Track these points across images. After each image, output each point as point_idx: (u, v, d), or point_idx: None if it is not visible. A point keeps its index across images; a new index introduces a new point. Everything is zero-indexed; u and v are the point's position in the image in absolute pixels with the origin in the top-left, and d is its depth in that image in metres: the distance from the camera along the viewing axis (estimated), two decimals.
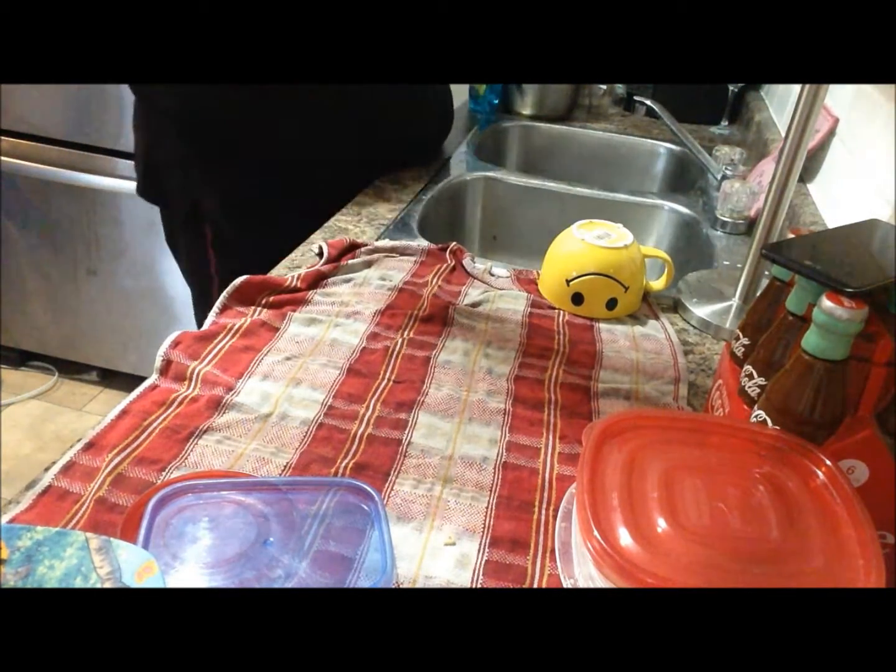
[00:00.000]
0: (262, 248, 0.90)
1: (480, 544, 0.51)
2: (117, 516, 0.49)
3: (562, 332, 0.78)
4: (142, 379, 0.64)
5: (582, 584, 0.45)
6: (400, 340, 0.72)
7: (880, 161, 0.84)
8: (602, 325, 0.80)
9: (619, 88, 1.70)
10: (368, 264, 0.86)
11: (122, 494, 0.51)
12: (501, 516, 0.53)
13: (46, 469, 0.53)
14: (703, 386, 0.71)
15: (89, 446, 0.55)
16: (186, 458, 0.55)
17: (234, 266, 0.78)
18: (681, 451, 0.48)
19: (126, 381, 2.07)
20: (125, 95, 1.07)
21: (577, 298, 0.81)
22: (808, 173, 1.07)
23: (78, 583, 0.39)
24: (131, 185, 1.13)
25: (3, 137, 1.80)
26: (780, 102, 1.40)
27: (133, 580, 0.39)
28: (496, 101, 1.52)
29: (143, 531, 0.45)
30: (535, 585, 0.48)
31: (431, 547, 0.50)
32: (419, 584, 0.47)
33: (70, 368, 2.13)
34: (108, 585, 0.39)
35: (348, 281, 0.82)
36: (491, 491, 0.55)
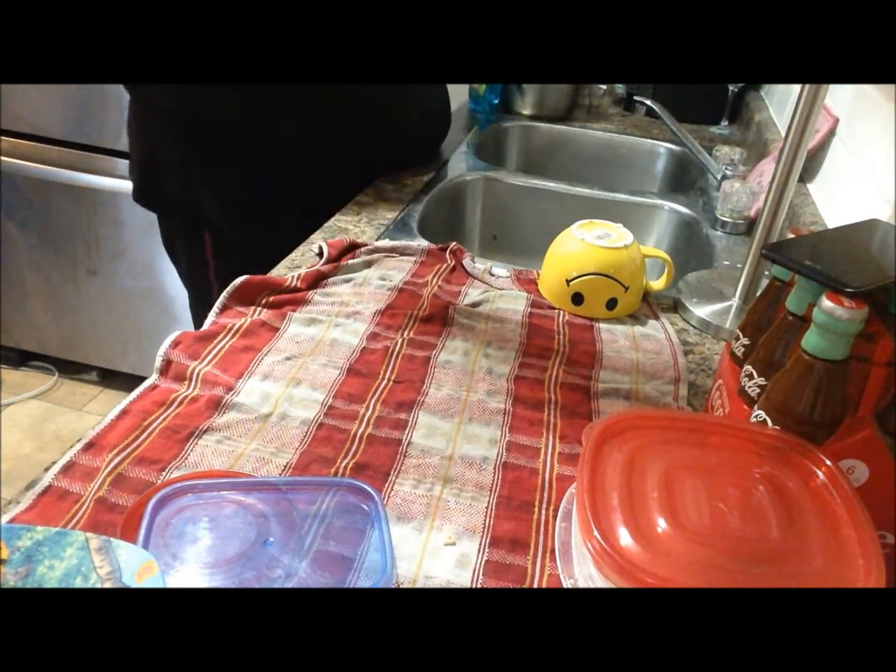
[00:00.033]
0: (262, 249, 0.90)
1: (480, 544, 0.51)
2: (117, 516, 0.49)
3: (562, 332, 0.78)
4: (142, 379, 0.64)
5: (582, 584, 0.45)
6: (400, 340, 0.72)
7: (880, 161, 0.84)
8: (602, 325, 0.80)
9: (619, 88, 1.70)
10: (368, 264, 0.86)
11: (122, 494, 0.51)
12: (501, 516, 0.53)
13: (46, 469, 0.53)
14: (703, 386, 0.71)
15: (89, 446, 0.55)
16: (186, 458, 0.55)
17: (234, 268, 0.78)
18: (681, 451, 0.48)
19: (126, 381, 2.07)
20: (125, 95, 1.06)
21: (577, 298, 0.81)
22: (808, 173, 1.07)
23: (78, 583, 0.39)
24: (131, 186, 1.12)
25: (3, 137, 1.80)
26: (780, 102, 1.40)
27: (133, 580, 0.39)
28: (496, 101, 1.52)
29: (143, 531, 0.45)
30: (535, 585, 0.48)
31: (431, 547, 0.50)
32: (419, 584, 0.47)
33: (70, 368, 2.13)
34: (108, 585, 0.39)
35: (348, 281, 0.82)
36: (491, 491, 0.55)
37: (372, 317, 0.75)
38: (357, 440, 0.59)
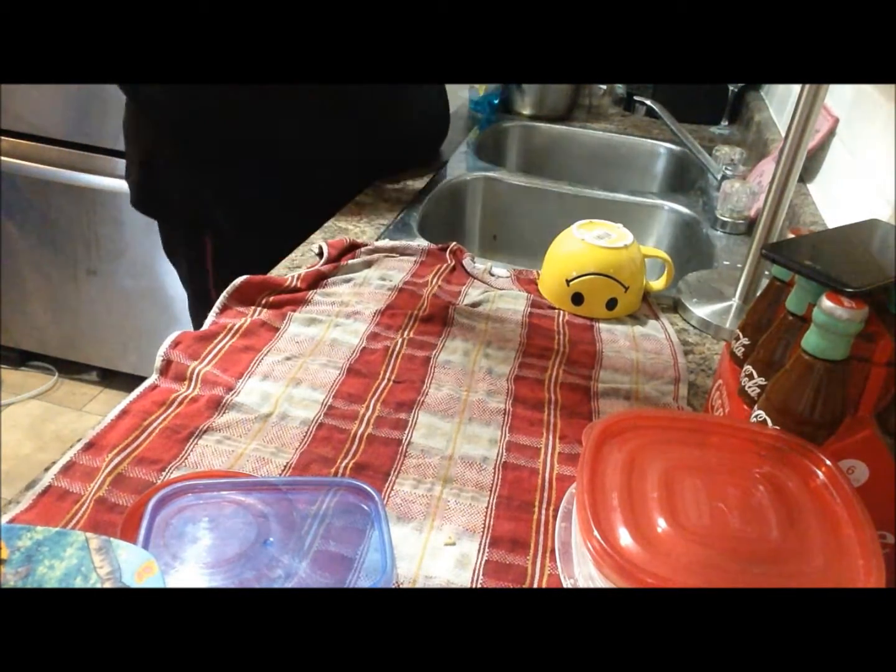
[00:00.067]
0: (262, 250, 0.90)
1: (480, 544, 0.51)
2: (117, 516, 0.49)
3: (562, 332, 0.78)
4: (142, 379, 0.64)
5: (582, 584, 0.45)
6: (400, 340, 0.72)
7: (880, 161, 0.84)
8: (602, 325, 0.80)
9: (619, 88, 1.70)
10: (368, 264, 0.86)
11: (122, 494, 0.51)
12: (501, 516, 0.53)
13: (46, 469, 0.53)
14: (703, 386, 0.71)
15: (89, 446, 0.55)
16: (186, 458, 0.55)
17: (235, 271, 0.78)
18: (681, 451, 0.48)
19: (126, 381, 2.07)
20: (125, 95, 1.06)
21: (577, 298, 0.81)
22: (808, 173, 1.07)
23: (78, 583, 0.39)
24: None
25: (3, 137, 1.80)
26: (780, 102, 1.40)
27: (133, 580, 0.39)
28: (496, 101, 1.52)
29: (143, 531, 0.45)
30: (535, 585, 0.48)
31: (431, 547, 0.50)
32: (419, 584, 0.47)
33: (70, 368, 2.13)
34: (108, 585, 0.39)
35: (348, 281, 0.82)
36: (491, 491, 0.55)
37: (372, 317, 0.75)
38: (357, 440, 0.59)
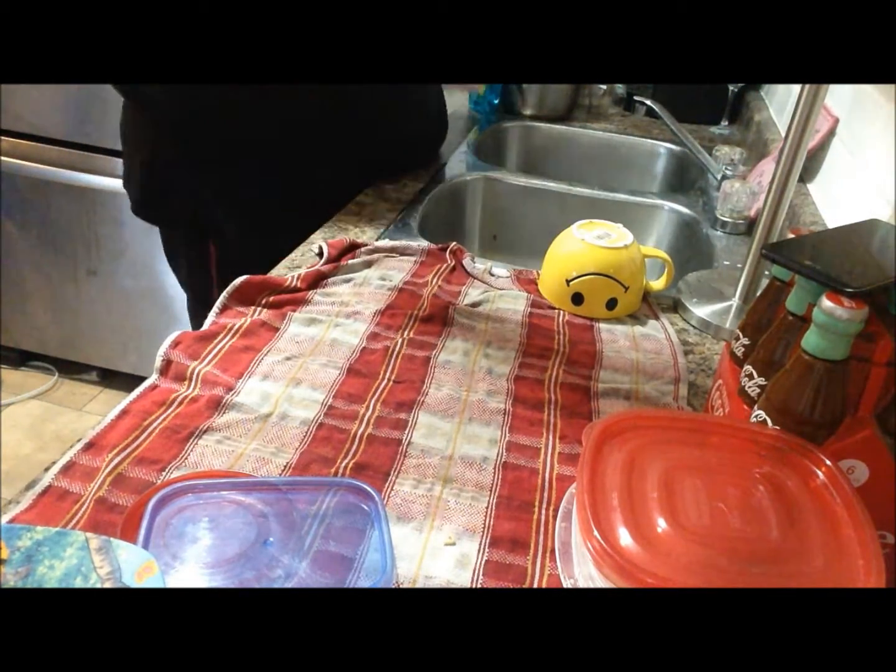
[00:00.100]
0: (262, 250, 0.90)
1: (480, 544, 0.51)
2: (117, 516, 0.49)
3: (562, 332, 0.78)
4: (142, 379, 0.64)
5: (582, 584, 0.45)
6: (400, 340, 0.72)
7: (880, 161, 0.84)
8: (602, 325, 0.80)
9: (619, 88, 1.70)
10: (368, 264, 0.86)
11: (122, 494, 0.51)
12: (501, 516, 0.53)
13: (46, 469, 0.53)
14: (703, 386, 0.71)
15: (89, 446, 0.55)
16: (186, 458, 0.55)
17: (238, 273, 0.78)
18: (681, 451, 0.48)
19: (126, 381, 2.07)
20: None
21: (577, 298, 0.81)
22: (808, 173, 1.07)
23: (78, 583, 0.39)
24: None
25: (3, 137, 1.80)
26: (780, 102, 1.40)
27: (133, 580, 0.39)
28: (496, 101, 1.52)
29: (143, 531, 0.45)
30: (535, 585, 0.48)
31: (431, 547, 0.50)
32: (419, 584, 0.47)
33: (70, 368, 2.13)
34: (108, 585, 0.39)
35: (348, 281, 0.82)
36: (491, 491, 0.55)
37: (372, 317, 0.75)
38: (357, 440, 0.59)
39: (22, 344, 2.11)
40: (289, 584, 0.45)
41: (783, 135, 0.80)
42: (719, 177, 1.16)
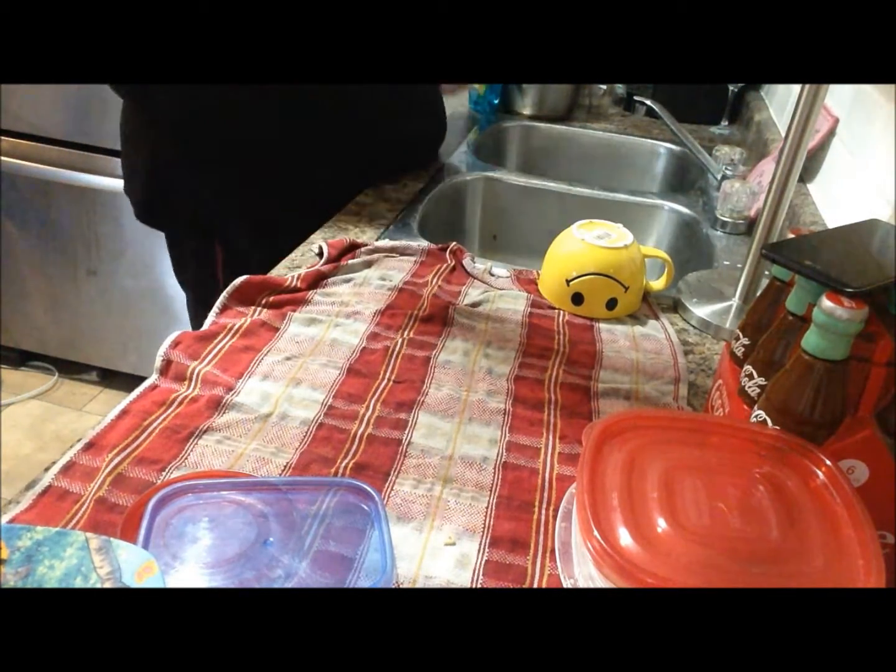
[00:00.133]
0: (268, 250, 0.90)
1: (480, 544, 0.51)
2: (117, 516, 0.49)
3: (562, 332, 0.78)
4: (142, 379, 0.64)
5: (582, 584, 0.45)
6: (400, 340, 0.72)
7: (880, 161, 0.84)
8: (602, 325, 0.80)
9: (619, 88, 1.70)
10: (368, 264, 0.86)
11: (122, 494, 0.51)
12: (501, 516, 0.53)
13: (46, 469, 0.53)
14: (703, 386, 0.71)
15: (89, 446, 0.55)
16: (186, 458, 0.55)
17: (244, 274, 0.78)
18: (681, 451, 0.48)
19: (126, 381, 2.07)
20: None
21: (577, 298, 0.81)
22: (808, 173, 1.07)
23: (78, 583, 0.39)
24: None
25: (3, 137, 1.80)
26: (780, 102, 1.40)
27: (133, 580, 0.39)
28: (496, 101, 1.52)
29: (143, 531, 0.45)
30: (535, 585, 0.48)
31: (431, 547, 0.50)
32: (419, 584, 0.47)
33: (70, 368, 2.13)
34: (108, 585, 0.39)
35: (348, 281, 0.82)
36: (491, 491, 0.55)
37: (372, 317, 0.75)
38: (357, 440, 0.59)
39: (22, 344, 2.11)
40: (289, 584, 0.45)
41: (783, 135, 0.80)
42: (719, 177, 1.16)
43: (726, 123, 1.57)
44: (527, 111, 1.52)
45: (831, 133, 1.03)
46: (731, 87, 1.55)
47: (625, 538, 0.41)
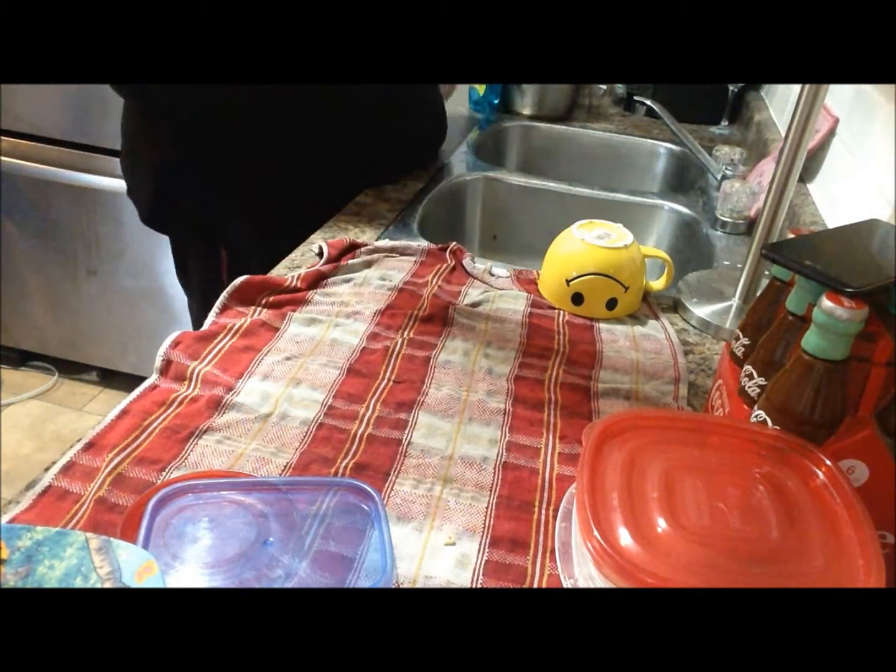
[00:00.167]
0: (262, 249, 0.89)
1: (480, 544, 0.51)
2: (117, 516, 0.49)
3: (562, 332, 0.78)
4: (142, 379, 0.64)
5: (582, 584, 0.45)
6: (400, 340, 0.72)
7: (880, 161, 0.84)
8: (602, 325, 0.80)
9: (619, 88, 1.70)
10: (368, 264, 0.86)
11: (122, 494, 0.51)
12: (501, 516, 0.53)
13: (46, 469, 0.53)
14: (703, 386, 0.71)
15: (89, 446, 0.55)
16: (186, 458, 0.55)
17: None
18: (681, 451, 0.48)
19: (126, 381, 2.07)
20: None
21: (577, 298, 0.81)
22: (808, 173, 1.07)
23: (78, 583, 0.39)
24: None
25: (3, 137, 1.80)
26: (780, 102, 1.40)
27: (133, 580, 0.39)
28: (496, 101, 1.52)
29: (143, 531, 0.45)
30: (535, 585, 0.48)
31: (431, 547, 0.50)
32: (419, 584, 0.47)
33: (70, 368, 2.13)
34: (108, 585, 0.39)
35: (348, 281, 0.82)
36: (491, 491, 0.55)
37: (372, 317, 0.75)
38: (357, 440, 0.59)
39: (22, 344, 2.11)
40: (289, 584, 0.45)
41: (783, 135, 0.80)
42: (719, 177, 1.16)
43: (726, 123, 1.57)
44: (527, 111, 1.52)
45: (831, 133, 1.03)
46: (731, 87, 1.55)
47: (625, 538, 0.41)
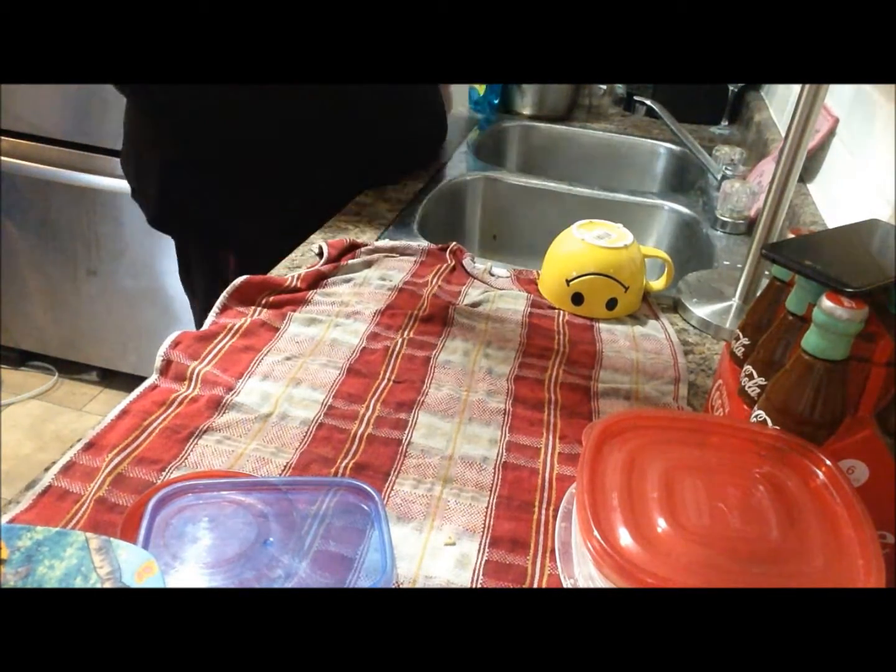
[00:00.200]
0: (262, 249, 0.89)
1: (480, 544, 0.51)
2: (117, 516, 0.49)
3: (562, 332, 0.78)
4: (142, 379, 0.64)
5: (582, 584, 0.45)
6: (400, 340, 0.72)
7: (880, 161, 0.84)
8: (602, 325, 0.80)
9: (619, 88, 1.70)
10: (368, 264, 0.86)
11: (122, 494, 0.51)
12: (501, 516, 0.53)
13: (46, 469, 0.53)
14: (703, 386, 0.71)
15: (89, 446, 0.55)
16: (186, 458, 0.55)
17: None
18: (681, 451, 0.48)
19: (126, 381, 2.07)
20: None
21: (577, 298, 0.81)
22: (808, 173, 1.07)
23: (78, 583, 0.39)
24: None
25: (3, 137, 1.80)
26: (780, 102, 1.40)
27: (133, 580, 0.39)
28: (496, 101, 1.52)
29: (143, 531, 0.45)
30: (535, 585, 0.48)
31: (431, 547, 0.50)
32: (419, 584, 0.47)
33: (70, 368, 2.13)
34: (108, 585, 0.39)
35: (348, 281, 0.82)
36: (491, 491, 0.55)
37: (372, 317, 0.75)
38: (357, 440, 0.59)
39: (22, 344, 2.11)
40: (289, 584, 0.45)
41: (783, 135, 0.80)
42: (719, 177, 1.16)
43: (726, 123, 1.57)
44: (527, 111, 1.52)
45: (831, 133, 1.03)
46: (731, 87, 1.55)
47: (625, 538, 0.41)
